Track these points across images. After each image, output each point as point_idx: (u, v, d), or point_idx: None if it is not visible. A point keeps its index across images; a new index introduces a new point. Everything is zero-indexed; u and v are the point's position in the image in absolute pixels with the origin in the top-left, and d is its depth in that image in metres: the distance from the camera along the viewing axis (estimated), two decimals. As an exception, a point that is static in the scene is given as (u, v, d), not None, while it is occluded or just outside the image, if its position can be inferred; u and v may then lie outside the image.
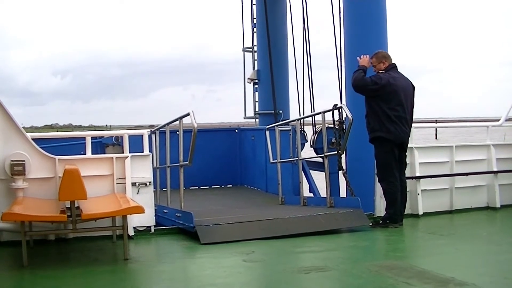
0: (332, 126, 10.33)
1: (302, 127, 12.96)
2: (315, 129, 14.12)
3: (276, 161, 12.12)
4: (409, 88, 9.44)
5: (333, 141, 10.76)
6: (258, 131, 15.27)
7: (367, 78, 9.31)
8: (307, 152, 13.65)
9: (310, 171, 14.47)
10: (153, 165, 9.39)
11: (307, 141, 13.86)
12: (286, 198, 12.06)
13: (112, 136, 13.89)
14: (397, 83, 9.22)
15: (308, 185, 13.95)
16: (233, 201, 13.22)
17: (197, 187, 15.20)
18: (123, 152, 9.11)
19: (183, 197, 9.35)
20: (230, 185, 15.92)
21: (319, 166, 13.55)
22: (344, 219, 9.12)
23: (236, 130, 16.54)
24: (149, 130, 9.48)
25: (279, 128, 12.27)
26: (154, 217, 9.00)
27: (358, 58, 9.72)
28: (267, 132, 12.59)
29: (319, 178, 13.45)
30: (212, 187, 15.76)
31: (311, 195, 13.86)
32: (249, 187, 15.54)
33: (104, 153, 12.55)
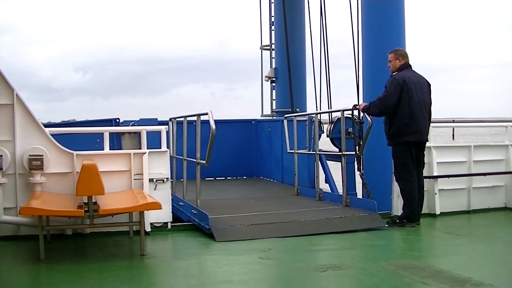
0: (350, 116, 10.27)
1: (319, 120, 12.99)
2: (331, 119, 14.10)
3: (292, 151, 12.14)
4: (425, 86, 9.38)
5: (349, 131, 10.70)
6: (275, 122, 15.32)
7: (377, 98, 9.38)
8: (323, 142, 13.57)
9: (327, 161, 14.43)
10: (169, 153, 9.41)
11: (323, 132, 13.85)
12: (301, 190, 12.09)
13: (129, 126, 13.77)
14: (411, 81, 9.18)
15: (324, 176, 13.93)
16: (249, 191, 13.23)
17: (212, 178, 15.20)
18: (139, 141, 9.16)
19: (199, 189, 9.43)
20: (246, 177, 15.92)
21: (335, 156, 13.54)
22: (360, 222, 9.09)
23: (253, 122, 16.52)
24: (166, 127, 9.49)
25: (296, 119, 12.30)
26: (171, 213, 9.03)
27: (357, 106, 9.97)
28: (285, 121, 12.60)
29: (335, 168, 13.44)
30: (228, 178, 15.75)
31: (327, 185, 13.86)
32: (265, 178, 15.54)
33: (120, 141, 12.50)
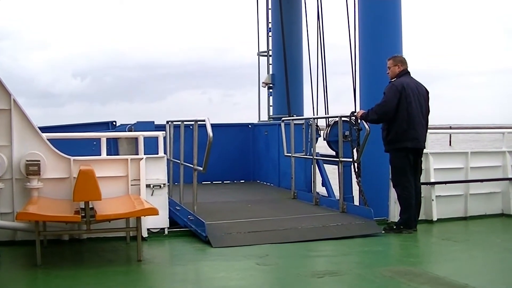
0: (347, 118, 10.26)
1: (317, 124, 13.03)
2: (328, 122, 14.15)
3: (289, 154, 12.18)
4: (423, 93, 9.41)
5: (346, 134, 10.69)
6: (271, 126, 15.35)
7: (376, 104, 9.39)
8: (320, 146, 13.60)
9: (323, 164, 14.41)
10: (166, 156, 9.41)
11: (320, 136, 13.88)
12: (298, 193, 12.10)
13: (126, 128, 13.70)
14: (410, 88, 9.20)
15: (321, 179, 13.93)
16: (245, 195, 13.24)
17: (209, 182, 15.13)
18: (136, 145, 9.17)
19: (196, 195, 9.46)
20: (243, 181, 15.88)
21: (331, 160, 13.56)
22: (356, 229, 9.08)
23: (250, 126, 16.49)
24: (163, 132, 9.48)
25: (293, 122, 12.34)
26: (168, 218, 9.02)
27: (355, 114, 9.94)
28: (282, 125, 12.64)
29: (332, 171, 13.46)
30: (225, 182, 15.70)
31: (324, 189, 13.86)
32: (262, 182, 15.51)
33: (117, 146, 12.49)
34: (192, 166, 9.46)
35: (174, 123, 11.22)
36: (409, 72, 9.48)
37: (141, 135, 9.21)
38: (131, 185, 8.67)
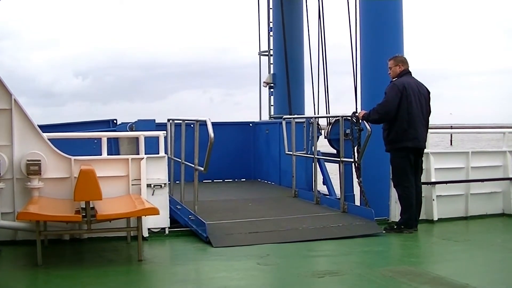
0: (348, 118, 10.24)
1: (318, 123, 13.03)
2: (329, 120, 14.14)
3: (290, 153, 12.19)
4: (424, 93, 9.41)
5: (347, 132, 10.68)
6: (272, 125, 15.36)
7: (378, 104, 9.39)
8: (321, 143, 13.58)
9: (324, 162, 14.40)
10: (168, 155, 9.42)
11: (321, 134, 13.88)
12: (299, 192, 12.11)
13: (127, 127, 13.70)
14: (411, 88, 9.20)
15: (322, 178, 13.92)
16: (246, 194, 13.25)
17: (210, 180, 15.10)
18: (137, 145, 9.17)
19: (197, 195, 9.49)
20: (244, 179, 15.88)
21: (332, 158, 13.53)
22: (357, 230, 9.07)
23: (251, 124, 16.47)
24: (164, 132, 9.48)
25: (294, 120, 12.33)
26: (168, 218, 9.02)
27: (356, 114, 9.94)
28: (283, 123, 12.64)
29: (333, 169, 13.45)
30: (226, 180, 15.68)
31: (325, 187, 13.85)
32: (263, 181, 15.51)
33: (118, 145, 12.50)
34: (193, 165, 9.47)
35: (175, 121, 11.22)
36: (410, 72, 9.48)
37: (142, 134, 9.21)
38: (132, 184, 8.67)
